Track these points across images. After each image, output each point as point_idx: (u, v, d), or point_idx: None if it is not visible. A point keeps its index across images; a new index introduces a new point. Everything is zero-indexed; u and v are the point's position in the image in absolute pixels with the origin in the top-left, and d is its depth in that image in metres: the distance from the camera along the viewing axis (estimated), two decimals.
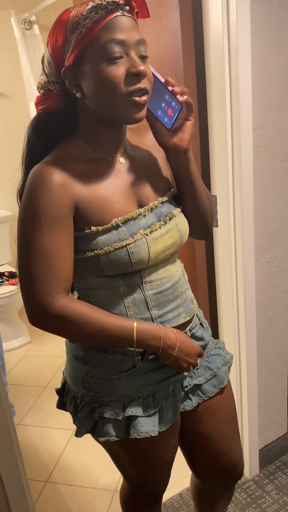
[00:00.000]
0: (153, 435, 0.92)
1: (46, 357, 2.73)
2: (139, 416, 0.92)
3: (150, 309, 0.91)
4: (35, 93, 2.87)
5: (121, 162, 0.91)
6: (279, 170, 1.46)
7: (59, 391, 1.08)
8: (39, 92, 0.88)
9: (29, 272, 0.82)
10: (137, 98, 0.81)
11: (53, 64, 0.84)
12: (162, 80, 0.88)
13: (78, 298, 0.98)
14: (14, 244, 0.91)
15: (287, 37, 1.35)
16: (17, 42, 2.81)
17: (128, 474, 1.09)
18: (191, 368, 0.93)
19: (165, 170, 0.99)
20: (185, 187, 0.96)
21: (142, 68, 0.79)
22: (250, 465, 1.73)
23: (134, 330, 0.84)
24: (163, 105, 0.88)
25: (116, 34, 0.78)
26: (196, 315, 1.03)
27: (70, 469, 1.86)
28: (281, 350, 1.68)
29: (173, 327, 0.92)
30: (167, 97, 0.88)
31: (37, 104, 0.89)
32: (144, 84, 0.81)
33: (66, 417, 2.15)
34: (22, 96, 2.99)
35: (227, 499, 1.24)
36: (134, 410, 0.92)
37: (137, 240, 0.86)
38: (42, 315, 0.83)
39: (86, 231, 0.86)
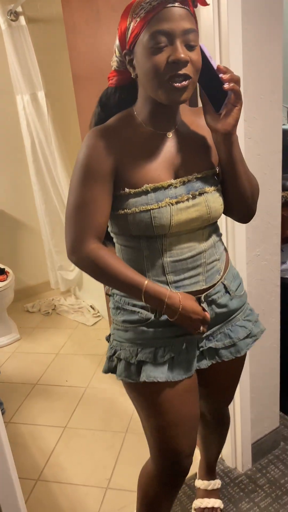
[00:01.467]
0: (160, 381, 1.03)
1: (36, 354, 2.71)
2: (149, 363, 1.03)
3: (167, 274, 1.01)
4: (22, 86, 2.84)
5: (168, 136, 1.00)
6: (270, 162, 1.45)
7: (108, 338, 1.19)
8: (112, 68, 1.02)
9: (69, 216, 0.98)
10: (176, 84, 0.88)
11: (119, 47, 0.96)
12: (215, 66, 0.93)
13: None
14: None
15: (278, 28, 1.33)
16: (2, 33, 2.76)
17: (151, 431, 1.14)
18: (197, 331, 1.01)
19: (210, 151, 1.05)
20: (226, 168, 1.02)
21: (181, 56, 0.86)
22: (243, 460, 1.72)
23: (143, 288, 0.96)
24: (214, 89, 0.94)
25: (163, 25, 0.86)
26: (223, 283, 1.08)
27: (61, 467, 1.84)
28: (273, 344, 1.67)
29: (188, 292, 1.02)
30: (217, 82, 0.93)
31: (108, 78, 1.04)
32: (186, 70, 0.88)
33: (56, 415, 2.14)
34: (8, 89, 2.94)
35: (224, 426, 1.45)
36: (145, 357, 1.04)
37: (161, 207, 0.95)
38: (73, 254, 0.98)
39: (121, 191, 0.98)
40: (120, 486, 1.72)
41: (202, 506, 1.54)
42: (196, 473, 1.65)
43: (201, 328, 1.01)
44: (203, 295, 1.04)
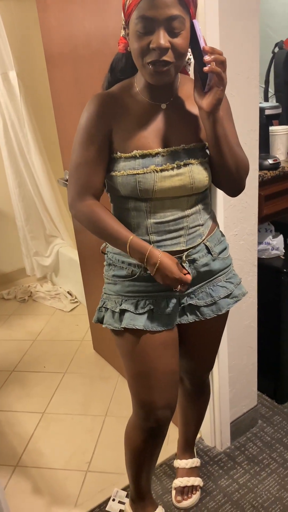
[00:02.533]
0: (138, 328, 1.12)
1: (13, 341, 2.66)
2: (130, 312, 1.13)
3: (150, 234, 1.09)
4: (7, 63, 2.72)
5: (162, 107, 1.06)
6: (247, 140, 1.44)
7: None
8: (121, 35, 1.06)
9: (71, 174, 1.09)
10: (157, 69, 0.94)
11: (123, 17, 0.98)
12: (201, 46, 0.94)
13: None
14: None
15: (255, 4, 1.31)
16: None
17: (129, 378, 1.22)
18: (174, 289, 1.09)
19: (202, 125, 1.09)
20: (210, 144, 1.06)
21: (161, 43, 0.90)
22: (222, 438, 1.74)
23: (128, 241, 1.05)
24: (203, 69, 0.94)
25: (147, 11, 0.90)
26: (206, 245, 1.14)
27: (40, 452, 1.82)
28: (251, 323, 1.69)
29: (168, 251, 1.09)
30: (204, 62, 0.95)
31: (118, 44, 1.07)
32: (166, 57, 0.92)
33: (34, 400, 2.12)
34: None
35: (204, 397, 1.51)
36: (127, 306, 1.14)
37: (146, 173, 1.02)
38: (72, 207, 1.11)
39: (114, 154, 1.06)
40: (100, 469, 1.72)
41: (182, 485, 1.55)
42: (175, 454, 1.66)
43: (179, 287, 1.08)
44: (184, 254, 1.11)
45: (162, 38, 0.91)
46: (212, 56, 0.92)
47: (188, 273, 1.10)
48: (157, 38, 0.91)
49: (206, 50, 0.93)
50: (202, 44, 0.94)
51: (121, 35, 1.05)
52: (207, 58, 0.92)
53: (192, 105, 1.07)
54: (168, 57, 0.93)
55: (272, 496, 1.55)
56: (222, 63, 0.93)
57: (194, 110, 1.07)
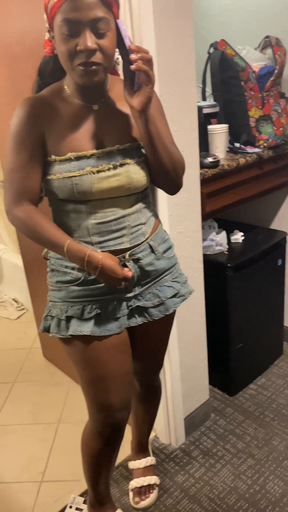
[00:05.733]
0: (85, 334, 1.10)
1: None
2: (77, 318, 1.11)
3: (91, 235, 1.08)
4: None
5: (94, 108, 1.05)
6: (187, 139, 1.46)
7: None
8: (46, 38, 1.03)
9: (5, 180, 1.06)
10: (85, 71, 0.94)
11: (46, 19, 0.97)
12: (127, 45, 0.94)
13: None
14: None
15: (188, 4, 1.33)
16: None
17: (83, 385, 1.20)
18: (118, 287, 1.08)
19: (135, 125, 1.08)
20: (144, 142, 1.06)
21: (88, 45, 0.90)
22: (177, 435, 1.76)
23: (65, 246, 1.03)
24: (130, 68, 0.95)
25: (70, 14, 0.89)
26: (149, 244, 1.14)
27: None
28: (199, 318, 1.71)
29: (112, 251, 1.08)
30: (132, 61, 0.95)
31: (44, 47, 1.05)
32: (94, 58, 0.92)
33: None
34: None
35: (155, 397, 1.52)
36: (73, 313, 1.11)
37: (83, 175, 1.01)
38: (8, 214, 1.07)
39: (48, 158, 1.04)
40: (56, 478, 1.67)
41: (138, 485, 1.55)
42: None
43: (122, 283, 1.07)
44: (127, 253, 1.11)
45: (89, 40, 0.90)
46: (139, 55, 0.93)
47: (131, 270, 1.10)
48: (84, 40, 0.91)
49: (132, 49, 0.93)
50: (127, 43, 0.94)
51: (46, 38, 1.03)
52: (133, 56, 0.93)
53: (124, 105, 1.07)
54: (97, 58, 0.93)
55: (228, 487, 1.58)
56: (148, 61, 0.94)
57: (127, 110, 1.07)
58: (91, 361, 1.14)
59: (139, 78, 0.96)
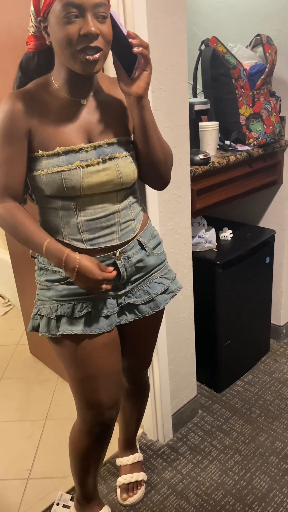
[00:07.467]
0: (76, 333, 1.09)
1: None
2: (67, 317, 1.09)
3: (81, 232, 1.06)
4: None
5: (83, 103, 1.03)
6: (178, 135, 1.46)
7: None
8: (30, 33, 1.02)
9: None
10: (88, 56, 0.92)
11: (34, 12, 0.95)
12: (125, 32, 0.95)
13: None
14: None
15: (181, 1, 1.33)
16: None
17: (73, 384, 1.18)
18: (97, 291, 1.06)
19: (125, 119, 1.09)
20: (139, 133, 1.05)
21: (92, 29, 0.89)
22: (164, 431, 1.76)
23: (44, 244, 1.01)
24: (126, 55, 0.96)
25: None
26: (139, 241, 1.13)
27: None
28: (188, 315, 1.72)
29: (103, 248, 1.08)
30: (128, 47, 0.95)
31: (27, 43, 1.04)
32: (97, 43, 0.91)
33: None
34: None
35: (143, 394, 1.51)
36: (63, 311, 1.10)
37: (72, 169, 0.99)
38: None
39: (35, 153, 1.01)
40: (42, 475, 1.66)
41: (126, 482, 1.55)
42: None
43: (103, 286, 1.04)
44: (118, 251, 1.10)
45: (92, 24, 0.89)
46: (138, 40, 0.94)
47: (114, 270, 1.07)
48: (87, 24, 0.89)
49: (131, 35, 0.94)
50: (124, 31, 0.95)
51: (31, 33, 1.01)
52: (135, 41, 0.94)
53: (113, 99, 1.06)
54: (99, 43, 0.92)
55: (215, 483, 1.59)
56: (146, 47, 0.96)
57: (116, 104, 1.07)
58: (81, 359, 1.13)
59: (139, 63, 0.97)
